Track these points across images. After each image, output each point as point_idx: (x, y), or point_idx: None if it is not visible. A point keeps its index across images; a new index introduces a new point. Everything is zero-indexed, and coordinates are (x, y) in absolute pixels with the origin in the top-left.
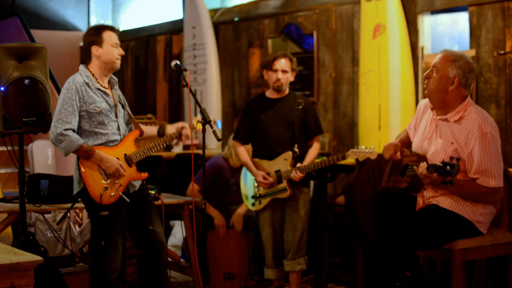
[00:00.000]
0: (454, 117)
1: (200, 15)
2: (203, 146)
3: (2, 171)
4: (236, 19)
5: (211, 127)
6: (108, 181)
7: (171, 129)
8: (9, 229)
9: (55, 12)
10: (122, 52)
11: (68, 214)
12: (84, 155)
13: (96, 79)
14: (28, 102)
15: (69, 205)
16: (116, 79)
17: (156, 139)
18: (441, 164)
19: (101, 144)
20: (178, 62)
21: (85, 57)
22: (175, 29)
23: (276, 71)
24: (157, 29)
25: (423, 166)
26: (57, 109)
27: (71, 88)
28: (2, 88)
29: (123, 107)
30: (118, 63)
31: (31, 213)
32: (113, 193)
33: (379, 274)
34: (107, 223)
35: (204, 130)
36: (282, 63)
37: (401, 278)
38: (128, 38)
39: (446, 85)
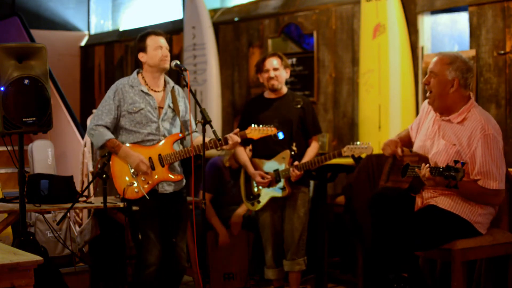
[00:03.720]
0: (457, 119)
1: (200, 15)
2: (203, 146)
3: (2, 171)
4: (236, 19)
5: (211, 127)
6: (135, 178)
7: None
8: (9, 229)
9: (55, 12)
10: (166, 53)
11: (68, 214)
12: (112, 150)
13: (145, 82)
14: (28, 102)
15: (69, 205)
16: (170, 82)
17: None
18: (445, 168)
19: (137, 143)
20: (178, 62)
21: (139, 64)
22: (175, 29)
23: (267, 71)
24: (157, 29)
25: (425, 168)
26: (98, 106)
27: (112, 89)
28: (2, 88)
29: (173, 111)
30: (163, 64)
31: (31, 213)
32: (137, 190)
33: (377, 275)
34: (139, 217)
35: (204, 130)
36: (272, 62)
37: (398, 279)
38: (128, 38)
39: (446, 88)
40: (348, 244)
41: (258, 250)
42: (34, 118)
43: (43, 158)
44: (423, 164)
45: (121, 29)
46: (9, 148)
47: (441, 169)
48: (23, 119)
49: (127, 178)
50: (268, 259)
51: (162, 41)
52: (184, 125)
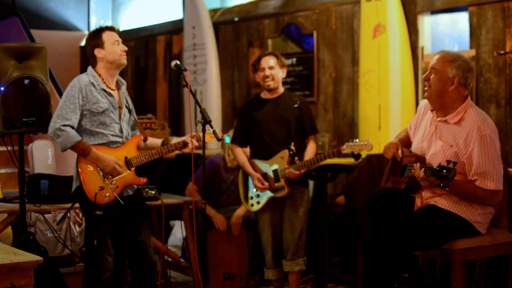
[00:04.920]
0: (454, 119)
1: (200, 15)
2: (203, 146)
3: (2, 171)
4: (236, 19)
5: (211, 127)
6: (105, 182)
7: (175, 140)
8: (9, 229)
9: (55, 12)
10: (125, 48)
11: (68, 214)
12: (80, 152)
13: (103, 80)
14: (28, 102)
15: (69, 205)
16: (124, 82)
17: (159, 147)
18: (438, 168)
19: (101, 144)
20: (178, 62)
21: (92, 62)
22: (175, 29)
23: (263, 69)
24: (157, 29)
25: (418, 168)
26: (59, 105)
27: (75, 86)
28: (2, 88)
29: (129, 111)
30: (123, 59)
31: (31, 213)
32: (108, 194)
33: (377, 275)
34: (101, 222)
35: (204, 130)
36: (268, 61)
37: (398, 280)
38: (128, 38)
39: (446, 85)
40: (348, 244)
41: (258, 250)
42: (34, 118)
43: (43, 158)
44: (414, 164)
45: (121, 29)
46: (9, 148)
47: (434, 169)
48: (23, 119)
49: (98, 182)
50: (268, 259)
51: (117, 36)
52: (135, 127)
